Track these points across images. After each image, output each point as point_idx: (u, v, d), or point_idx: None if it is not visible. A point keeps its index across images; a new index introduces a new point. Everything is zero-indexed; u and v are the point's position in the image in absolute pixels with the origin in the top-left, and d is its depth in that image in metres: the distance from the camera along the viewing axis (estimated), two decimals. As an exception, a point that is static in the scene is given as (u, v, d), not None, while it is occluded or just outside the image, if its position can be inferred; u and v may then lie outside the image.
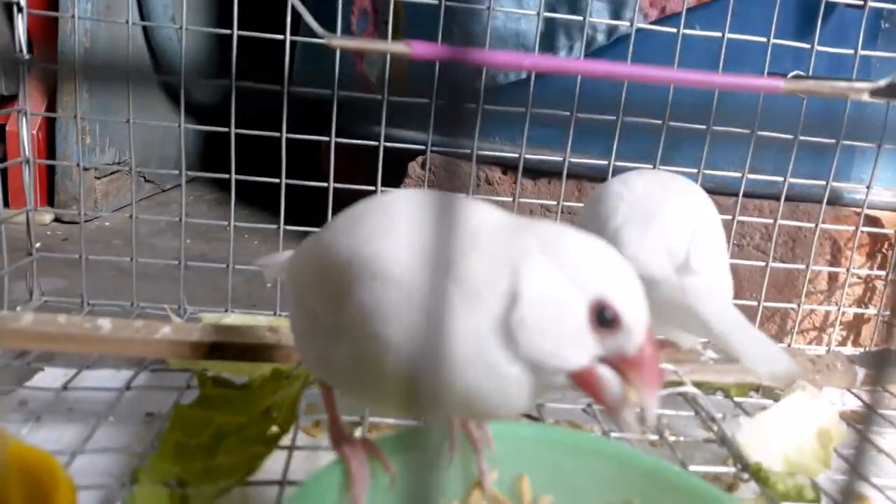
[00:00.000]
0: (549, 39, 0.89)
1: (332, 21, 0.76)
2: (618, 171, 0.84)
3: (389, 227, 0.38)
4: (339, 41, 0.43)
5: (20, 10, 0.76)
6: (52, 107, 1.17)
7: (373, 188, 0.82)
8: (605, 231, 0.65)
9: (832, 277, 0.93)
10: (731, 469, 0.64)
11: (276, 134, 0.79)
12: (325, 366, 0.42)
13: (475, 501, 0.47)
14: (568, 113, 0.82)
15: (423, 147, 0.86)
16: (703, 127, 0.84)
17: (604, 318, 0.35)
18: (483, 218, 0.38)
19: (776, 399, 0.75)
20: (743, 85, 0.51)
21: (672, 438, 0.67)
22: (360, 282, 0.37)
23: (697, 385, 0.71)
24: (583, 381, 0.35)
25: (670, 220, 0.63)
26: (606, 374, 0.35)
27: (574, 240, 0.37)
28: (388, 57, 0.79)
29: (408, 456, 0.45)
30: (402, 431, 0.46)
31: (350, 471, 0.43)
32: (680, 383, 0.71)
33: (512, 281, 0.35)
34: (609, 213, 0.66)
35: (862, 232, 0.89)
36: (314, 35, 0.71)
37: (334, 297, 0.39)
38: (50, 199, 1.21)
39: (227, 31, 0.76)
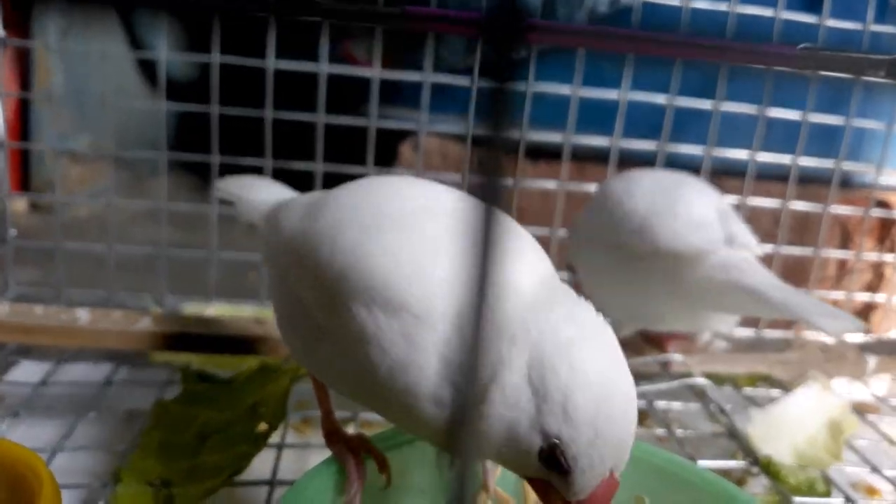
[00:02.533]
0: (549, 8, 0.85)
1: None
2: (622, 151, 0.81)
3: (407, 242, 0.34)
4: (327, 3, 0.39)
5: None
6: (26, 87, 1.12)
7: (363, 170, 0.78)
8: (623, 228, 0.66)
9: (841, 263, 0.90)
10: (741, 463, 0.61)
11: (260, 114, 0.75)
12: (311, 360, 0.39)
13: (480, 502, 0.44)
14: (568, 91, 0.79)
15: (411, 128, 0.83)
16: (709, 106, 0.81)
17: (553, 461, 0.31)
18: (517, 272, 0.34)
19: (786, 389, 0.73)
20: (754, 54, 0.47)
21: (680, 432, 0.64)
22: (361, 301, 0.33)
23: (707, 376, 0.68)
24: (536, 490, 0.33)
25: (696, 200, 0.66)
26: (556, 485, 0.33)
27: (569, 364, 0.31)
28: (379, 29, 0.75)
29: (404, 453, 0.42)
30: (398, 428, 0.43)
31: (345, 469, 0.40)
32: (689, 374, 0.68)
33: (490, 370, 0.32)
34: (626, 209, 0.66)
35: (872, 216, 0.86)
36: (297, 10, 0.68)
37: (326, 297, 0.35)
38: (25, 185, 1.17)
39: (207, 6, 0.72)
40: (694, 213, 0.64)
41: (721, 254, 0.62)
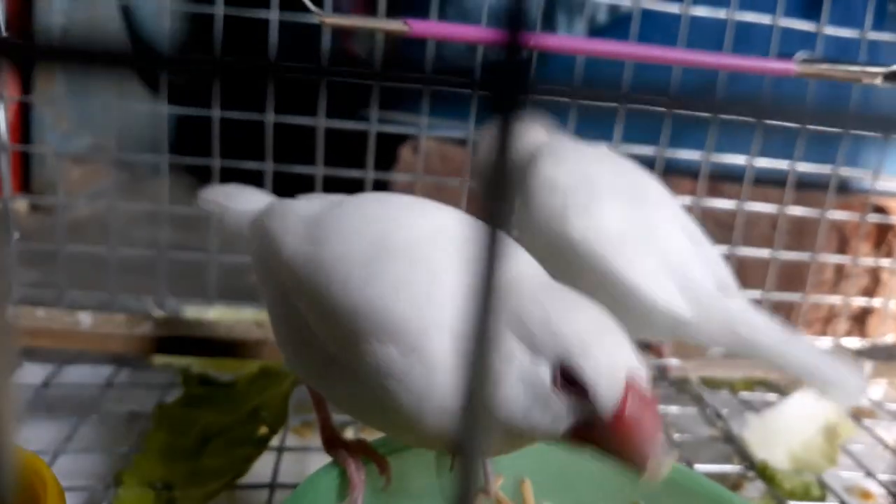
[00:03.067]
0: (548, 17, 0.86)
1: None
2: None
3: (416, 276, 0.35)
4: (331, 19, 0.40)
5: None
6: (27, 91, 1.12)
7: (362, 174, 0.79)
8: (594, 269, 0.57)
9: (838, 267, 0.91)
10: (738, 467, 0.62)
11: (261, 118, 0.75)
12: (317, 381, 0.40)
13: (479, 506, 0.44)
14: (567, 98, 0.79)
15: (412, 132, 0.83)
16: (709, 116, 0.81)
17: (569, 381, 0.32)
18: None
19: (782, 394, 0.73)
20: (753, 67, 0.48)
21: (677, 436, 0.64)
22: (371, 336, 0.34)
23: (704, 381, 0.69)
24: (574, 440, 0.34)
25: (670, 239, 0.59)
26: (591, 432, 0.33)
27: (543, 304, 0.34)
28: (380, 34, 0.75)
29: (404, 457, 0.43)
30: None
31: (347, 473, 0.40)
32: (686, 379, 0.68)
33: None
34: (587, 245, 0.57)
35: (868, 221, 0.87)
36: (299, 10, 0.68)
37: (337, 330, 0.36)
38: (25, 187, 1.17)
39: (209, 10, 0.72)
40: (678, 265, 0.57)
41: (718, 309, 0.56)
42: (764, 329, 0.56)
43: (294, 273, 0.39)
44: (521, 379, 0.33)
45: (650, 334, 0.61)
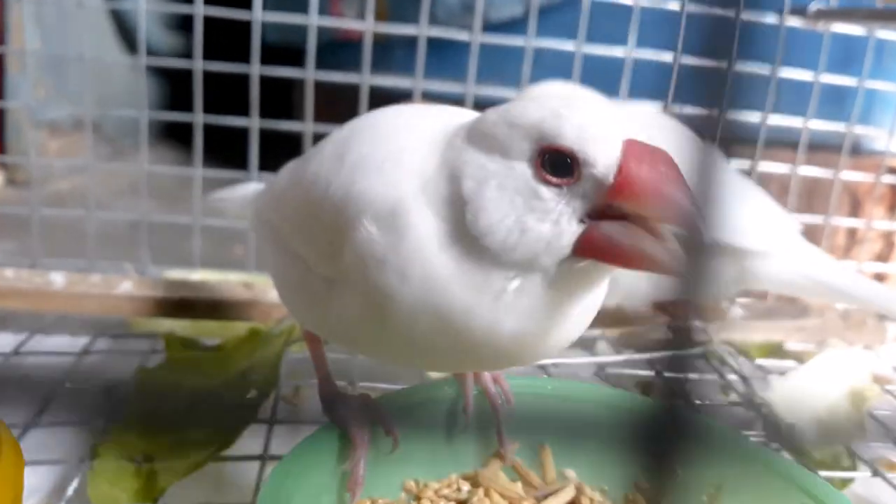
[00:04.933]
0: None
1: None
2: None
3: (390, 154, 0.32)
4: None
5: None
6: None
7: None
8: None
9: (851, 231, 0.87)
10: (760, 434, 0.58)
11: (246, 69, 0.71)
12: (320, 319, 0.35)
13: (492, 472, 0.40)
14: (572, 48, 0.75)
15: (405, 90, 0.78)
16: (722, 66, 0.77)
17: (555, 165, 0.28)
18: (452, 122, 0.33)
19: (798, 360, 0.70)
20: None
21: (696, 402, 0.60)
22: (360, 224, 0.31)
23: (723, 344, 0.65)
24: (588, 251, 0.28)
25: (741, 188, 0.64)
26: (609, 228, 0.28)
27: (499, 108, 0.30)
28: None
29: (413, 415, 0.39)
30: (407, 389, 0.39)
31: (349, 433, 0.36)
32: (709, 343, 0.64)
33: (454, 186, 0.29)
34: None
35: (883, 183, 0.83)
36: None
37: (326, 242, 0.33)
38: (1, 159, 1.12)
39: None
40: (749, 201, 0.64)
41: (788, 250, 0.62)
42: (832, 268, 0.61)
43: (283, 205, 0.38)
44: (499, 190, 0.28)
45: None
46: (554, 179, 0.28)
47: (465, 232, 0.29)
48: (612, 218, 0.28)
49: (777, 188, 0.86)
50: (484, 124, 0.30)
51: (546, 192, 0.28)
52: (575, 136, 0.27)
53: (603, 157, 0.27)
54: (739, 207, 0.61)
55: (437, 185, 0.30)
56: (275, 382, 0.48)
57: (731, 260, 0.60)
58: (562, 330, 0.31)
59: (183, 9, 0.69)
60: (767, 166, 0.81)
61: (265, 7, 0.70)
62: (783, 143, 0.85)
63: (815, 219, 0.82)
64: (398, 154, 0.31)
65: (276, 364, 0.49)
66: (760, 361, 0.70)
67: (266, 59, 0.71)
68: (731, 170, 0.66)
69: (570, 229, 0.28)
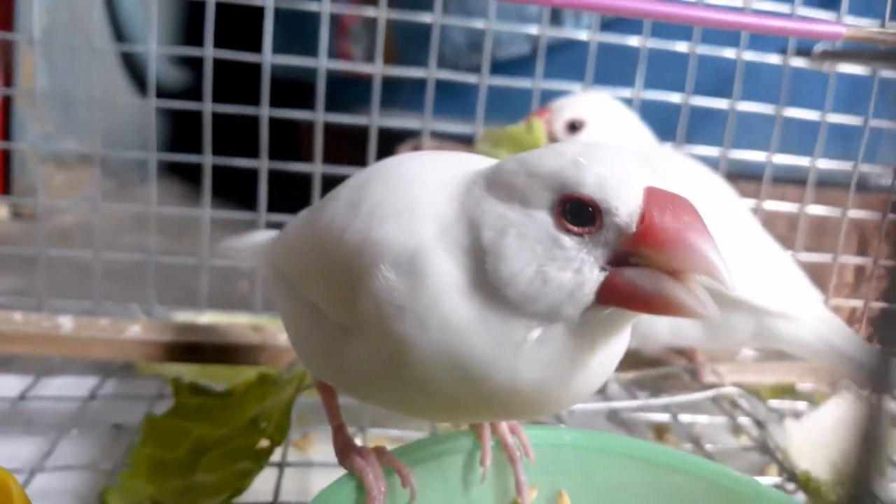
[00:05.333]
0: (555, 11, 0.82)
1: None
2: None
3: (408, 201, 0.32)
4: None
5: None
6: (8, 84, 1.08)
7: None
8: None
9: (859, 269, 0.87)
10: (775, 478, 0.57)
11: (256, 111, 0.71)
12: (334, 369, 0.35)
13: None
14: (579, 89, 0.75)
15: (413, 129, 0.79)
16: (725, 105, 0.77)
17: (575, 214, 0.28)
18: (470, 169, 0.32)
19: (811, 402, 0.69)
20: (799, 30, 0.44)
21: (709, 447, 0.60)
22: (378, 271, 0.30)
23: (736, 386, 0.64)
24: (611, 299, 0.28)
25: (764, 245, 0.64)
26: (631, 274, 0.27)
27: (518, 157, 0.30)
28: (382, 21, 0.71)
29: (428, 468, 0.38)
30: (423, 440, 0.39)
31: (365, 484, 0.35)
32: (720, 385, 0.64)
33: (474, 236, 0.29)
34: None
35: (890, 219, 0.83)
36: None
37: (341, 290, 0.32)
38: (6, 192, 1.12)
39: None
40: (774, 261, 0.63)
41: (812, 315, 0.61)
42: (852, 340, 0.60)
43: (296, 254, 0.38)
44: (519, 239, 0.28)
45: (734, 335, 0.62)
46: (575, 228, 0.28)
47: (485, 281, 0.28)
48: (633, 264, 0.27)
49: (785, 226, 0.86)
50: (503, 173, 0.30)
51: (567, 240, 0.28)
52: (596, 185, 0.27)
53: (625, 206, 0.27)
54: (763, 265, 0.61)
55: (456, 233, 0.29)
56: (285, 431, 0.47)
57: (750, 316, 0.60)
58: (584, 379, 0.30)
59: (193, 51, 0.70)
60: (775, 205, 0.81)
61: (274, 47, 0.70)
62: (791, 181, 0.85)
63: (824, 257, 0.82)
64: (416, 201, 0.31)
65: (287, 412, 0.48)
66: (773, 403, 0.69)
67: (273, 93, 0.71)
68: (757, 227, 0.67)
69: (592, 277, 0.27)
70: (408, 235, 0.30)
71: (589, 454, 0.41)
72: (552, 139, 0.69)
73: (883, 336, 0.17)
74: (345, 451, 0.38)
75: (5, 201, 1.08)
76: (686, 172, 0.65)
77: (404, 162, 0.35)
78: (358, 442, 0.56)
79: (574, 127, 0.68)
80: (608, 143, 0.31)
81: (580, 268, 0.27)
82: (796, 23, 0.47)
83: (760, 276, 0.60)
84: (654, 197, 0.27)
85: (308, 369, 0.40)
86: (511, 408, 0.31)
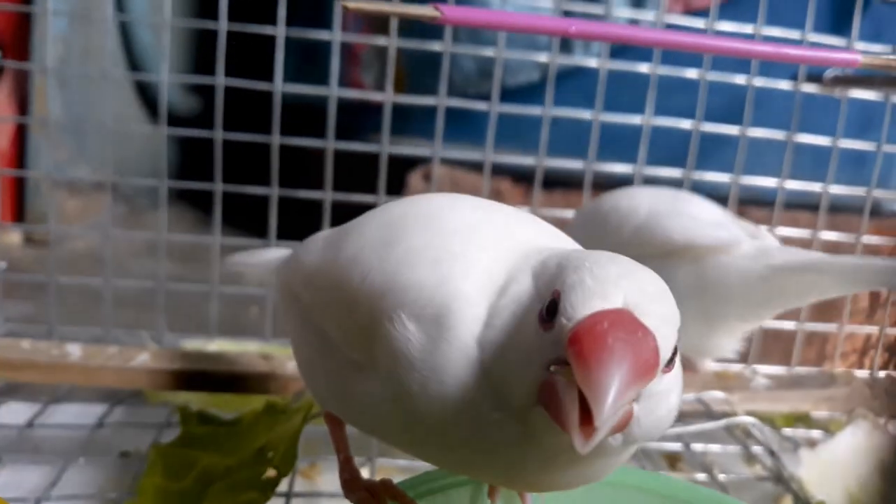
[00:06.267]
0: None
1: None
2: (645, 179, 0.78)
3: (448, 253, 0.30)
4: (354, 4, 0.35)
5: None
6: (23, 112, 1.09)
7: (373, 199, 0.74)
8: (626, 226, 0.63)
9: (874, 296, 0.86)
10: (789, 510, 0.56)
11: (267, 139, 0.71)
12: (344, 403, 0.34)
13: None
14: (589, 116, 0.75)
15: (424, 156, 0.79)
16: (736, 132, 0.77)
17: (549, 310, 0.26)
18: (522, 238, 0.32)
19: (826, 430, 0.68)
20: (813, 58, 0.44)
21: (722, 477, 0.59)
22: (397, 318, 0.29)
23: (749, 415, 0.63)
24: (545, 399, 0.26)
25: (702, 203, 0.64)
26: (559, 378, 0.25)
27: (563, 255, 0.29)
28: (393, 50, 0.71)
29: (436, 499, 0.37)
30: (430, 473, 0.38)
31: None
32: (732, 414, 0.63)
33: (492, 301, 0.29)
34: (623, 210, 0.64)
35: (904, 245, 0.82)
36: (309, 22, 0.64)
37: (360, 329, 0.31)
38: (20, 217, 1.13)
39: (213, 25, 0.69)
40: (705, 212, 0.62)
41: (747, 245, 0.58)
42: (798, 251, 0.59)
43: (313, 283, 0.37)
44: (513, 316, 0.28)
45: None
46: (542, 322, 0.26)
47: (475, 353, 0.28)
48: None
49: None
50: (545, 269, 0.29)
51: (533, 331, 0.26)
52: (568, 286, 0.26)
53: (571, 309, 0.25)
54: (689, 212, 0.62)
55: (489, 299, 0.29)
56: (292, 461, 0.47)
57: (689, 265, 0.59)
58: (588, 475, 0.29)
59: (205, 80, 0.70)
60: (788, 231, 0.80)
61: (286, 74, 0.70)
62: (802, 206, 0.84)
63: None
64: (458, 254, 0.30)
65: (294, 442, 0.48)
66: (787, 431, 0.68)
67: (287, 117, 0.71)
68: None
69: (537, 374, 0.26)
70: (440, 288, 0.29)
71: (600, 488, 0.40)
72: None
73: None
74: (351, 484, 0.37)
75: (18, 228, 1.09)
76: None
77: (445, 208, 0.33)
78: (366, 471, 0.56)
79: None
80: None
81: (530, 359, 0.26)
82: (812, 51, 0.47)
83: (686, 220, 0.60)
84: (609, 314, 0.25)
85: (314, 397, 0.39)
86: (517, 483, 0.31)
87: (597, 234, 0.64)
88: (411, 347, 0.28)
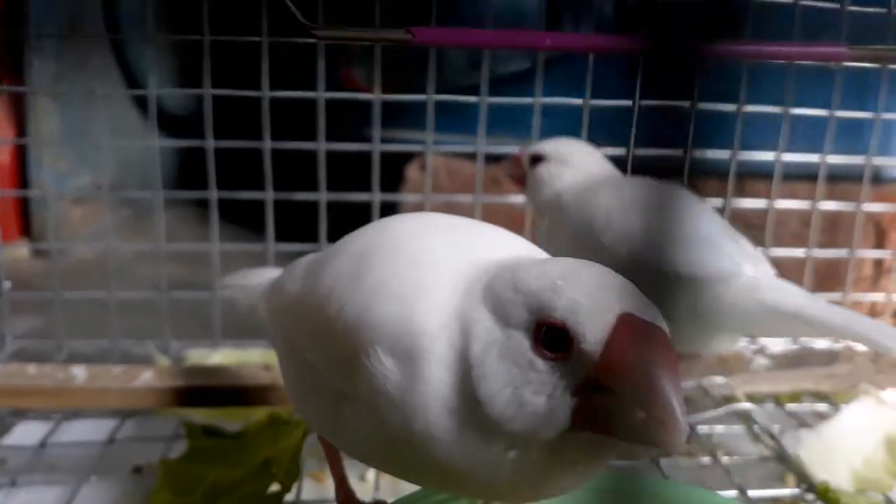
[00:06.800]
0: (554, 18, 0.81)
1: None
2: (640, 159, 0.77)
3: (412, 286, 0.31)
4: (325, 32, 0.35)
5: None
6: (22, 132, 1.09)
7: (368, 197, 0.74)
8: (618, 245, 0.60)
9: (877, 263, 0.86)
10: (794, 490, 0.57)
11: (258, 145, 0.71)
12: (331, 429, 0.35)
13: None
14: (580, 101, 0.75)
15: (418, 149, 0.79)
16: (734, 108, 0.76)
17: (550, 338, 0.27)
18: (485, 259, 0.32)
19: (831, 402, 0.68)
20: (800, 53, 0.43)
21: (726, 459, 0.59)
22: (374, 353, 0.30)
23: (750, 397, 0.64)
24: (585, 423, 0.27)
25: (699, 218, 0.61)
26: (599, 400, 0.27)
27: (518, 268, 0.29)
28: (378, 50, 0.71)
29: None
30: (424, 490, 0.39)
31: None
32: (733, 398, 0.63)
33: (466, 345, 0.28)
34: (616, 224, 0.60)
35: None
36: (292, 34, 0.64)
37: (340, 361, 0.32)
38: (27, 230, 1.14)
39: (198, 37, 0.69)
40: (704, 228, 0.60)
41: (747, 275, 0.57)
42: (791, 293, 0.56)
43: (294, 314, 0.37)
44: (500, 359, 0.27)
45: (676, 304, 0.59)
46: (549, 354, 0.27)
47: (470, 392, 0.28)
48: (607, 388, 0.26)
49: (797, 223, 0.85)
50: (497, 283, 0.29)
51: (542, 364, 0.27)
52: (568, 311, 0.27)
53: (591, 334, 0.26)
54: (694, 236, 0.59)
55: (451, 332, 0.29)
56: (295, 475, 0.48)
57: (682, 289, 0.58)
58: (567, 485, 0.30)
59: (192, 91, 0.70)
60: (787, 203, 0.80)
61: (277, 74, 0.70)
62: (801, 177, 0.84)
63: (839, 252, 0.81)
64: (421, 288, 0.30)
65: (297, 454, 0.49)
66: (791, 406, 0.68)
67: (279, 114, 0.71)
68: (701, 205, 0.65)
69: (565, 402, 0.27)
70: (408, 325, 0.30)
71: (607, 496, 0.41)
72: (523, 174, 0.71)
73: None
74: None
75: (23, 244, 1.10)
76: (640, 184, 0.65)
77: (414, 238, 0.34)
78: (372, 473, 0.57)
79: (535, 160, 0.69)
80: (592, 262, 0.29)
81: (553, 392, 0.27)
82: (798, 46, 0.46)
83: (687, 247, 0.57)
84: (623, 326, 0.26)
85: (306, 421, 0.40)
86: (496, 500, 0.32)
87: (587, 246, 0.62)
88: (389, 385, 0.29)
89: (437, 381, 0.28)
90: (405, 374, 0.29)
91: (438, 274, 0.31)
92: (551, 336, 0.27)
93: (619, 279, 0.28)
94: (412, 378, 0.29)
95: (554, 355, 0.27)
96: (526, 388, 0.27)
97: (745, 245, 0.60)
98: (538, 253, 0.34)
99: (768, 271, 0.58)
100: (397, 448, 0.30)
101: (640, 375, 0.25)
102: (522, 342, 0.27)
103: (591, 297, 0.27)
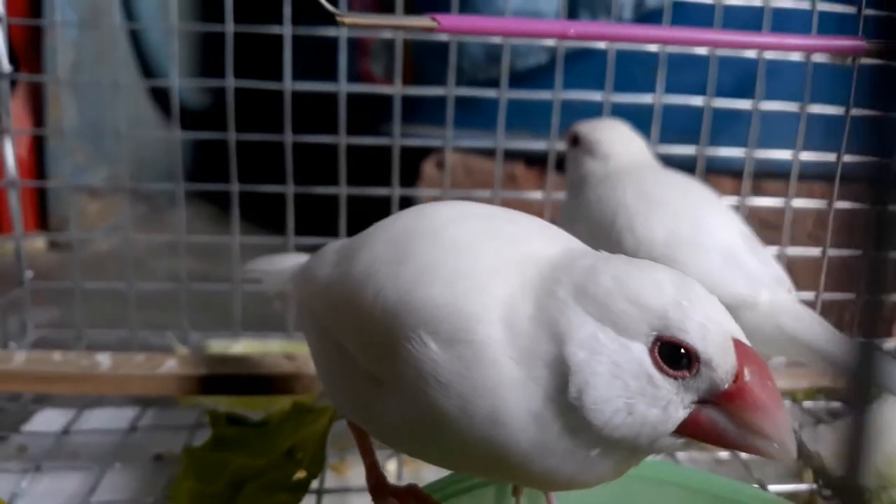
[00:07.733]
0: (571, 17, 0.82)
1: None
2: (660, 157, 0.77)
3: (464, 270, 0.31)
4: (351, 18, 0.36)
5: (0, 20, 0.69)
6: (39, 124, 1.10)
7: (387, 192, 0.75)
8: (640, 255, 0.58)
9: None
10: (811, 485, 0.57)
11: (280, 138, 0.72)
12: (365, 415, 0.35)
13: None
14: (599, 98, 0.75)
15: (437, 145, 0.79)
16: (749, 106, 0.76)
17: (670, 356, 0.28)
18: (532, 250, 0.32)
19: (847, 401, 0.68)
20: (820, 47, 0.44)
21: (745, 455, 0.59)
22: (416, 337, 0.30)
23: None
24: (689, 432, 0.28)
25: (720, 226, 0.60)
26: (713, 415, 0.28)
27: (612, 273, 0.29)
28: (400, 43, 0.72)
29: (461, 500, 0.38)
30: (454, 476, 0.39)
31: None
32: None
33: (556, 346, 0.28)
34: (638, 234, 0.59)
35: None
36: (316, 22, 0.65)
37: (376, 347, 0.32)
38: (44, 223, 1.15)
39: (220, 28, 0.69)
40: (726, 239, 0.59)
41: (765, 299, 0.56)
42: (809, 323, 0.55)
43: (327, 299, 0.37)
44: (612, 367, 0.28)
45: None
46: (671, 371, 0.28)
47: (556, 397, 0.28)
48: (710, 402, 0.28)
49: (814, 223, 0.85)
50: (597, 289, 0.29)
51: (661, 380, 0.28)
52: (699, 336, 0.28)
53: (724, 363, 0.27)
54: (713, 248, 0.58)
55: (528, 335, 0.29)
56: (321, 462, 0.48)
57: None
58: (613, 476, 0.31)
59: (214, 82, 0.71)
60: (803, 202, 0.80)
61: (297, 69, 0.71)
62: (818, 177, 0.84)
63: (855, 252, 0.81)
64: (466, 273, 0.31)
65: (322, 443, 0.49)
66: (807, 404, 0.69)
67: (299, 108, 0.72)
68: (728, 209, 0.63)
69: (678, 416, 0.28)
70: (460, 306, 0.29)
71: (626, 481, 0.41)
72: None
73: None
74: (378, 490, 0.38)
75: (39, 236, 1.11)
76: (677, 181, 0.64)
77: (453, 224, 0.34)
78: (394, 462, 0.58)
79: (574, 141, 0.68)
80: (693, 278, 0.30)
81: (667, 406, 0.28)
82: (816, 39, 0.46)
83: (712, 268, 0.57)
84: (744, 356, 0.28)
85: (335, 406, 0.40)
86: (545, 487, 0.33)
87: (606, 241, 0.61)
88: (439, 369, 0.29)
89: (501, 366, 0.28)
90: (460, 357, 0.29)
91: (481, 260, 0.31)
92: (672, 353, 0.28)
93: (714, 295, 0.30)
94: (470, 363, 0.29)
95: (676, 373, 0.28)
96: (640, 400, 0.28)
97: (765, 258, 0.59)
98: (577, 243, 0.35)
99: (788, 295, 0.58)
100: (440, 433, 0.30)
101: (763, 406, 0.27)
102: (642, 354, 0.28)
103: (714, 323, 0.28)
